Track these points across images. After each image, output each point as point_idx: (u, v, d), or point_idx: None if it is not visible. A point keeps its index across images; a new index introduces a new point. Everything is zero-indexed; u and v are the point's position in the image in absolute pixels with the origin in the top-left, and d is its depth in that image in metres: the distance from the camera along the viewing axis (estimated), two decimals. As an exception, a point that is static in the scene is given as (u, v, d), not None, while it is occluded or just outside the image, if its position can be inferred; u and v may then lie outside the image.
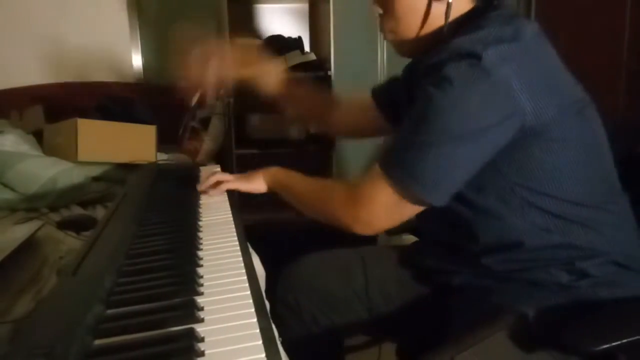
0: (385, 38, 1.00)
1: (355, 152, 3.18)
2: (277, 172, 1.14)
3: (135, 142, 1.84)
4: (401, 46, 0.99)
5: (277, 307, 1.13)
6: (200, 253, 0.85)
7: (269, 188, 1.14)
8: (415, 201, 0.88)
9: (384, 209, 0.90)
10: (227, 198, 1.19)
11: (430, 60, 0.87)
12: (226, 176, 1.22)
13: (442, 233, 1.01)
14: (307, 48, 2.92)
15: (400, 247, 1.21)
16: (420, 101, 0.85)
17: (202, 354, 0.56)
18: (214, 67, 1.20)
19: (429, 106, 0.83)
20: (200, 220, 1.03)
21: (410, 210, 0.90)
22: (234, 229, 0.98)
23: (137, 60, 2.88)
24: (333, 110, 1.35)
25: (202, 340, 0.59)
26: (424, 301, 1.08)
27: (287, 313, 1.12)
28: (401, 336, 1.18)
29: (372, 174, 0.91)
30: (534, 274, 0.90)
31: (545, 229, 0.89)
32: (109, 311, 0.66)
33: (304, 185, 1.08)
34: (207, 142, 2.52)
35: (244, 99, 2.83)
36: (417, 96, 0.88)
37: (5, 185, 1.55)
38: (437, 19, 0.92)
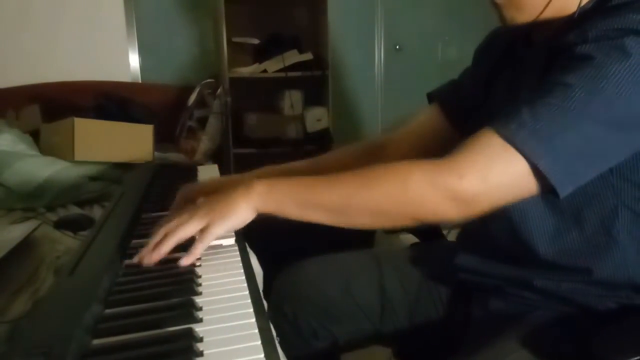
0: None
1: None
2: (269, 187, 0.80)
3: (132, 142, 1.84)
4: (516, 8, 0.82)
5: (273, 316, 0.98)
6: (198, 252, 0.84)
7: (263, 211, 0.80)
8: (531, 182, 0.71)
9: (489, 182, 0.71)
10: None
11: (571, 34, 0.75)
12: (187, 227, 0.78)
13: (494, 236, 0.88)
14: (304, 47, 2.92)
15: (414, 249, 1.12)
16: (573, 65, 0.72)
17: (200, 354, 0.56)
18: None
19: (588, 73, 0.70)
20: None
21: (516, 192, 0.73)
22: (232, 228, 0.97)
23: (134, 60, 2.88)
24: (383, 154, 1.09)
25: (200, 340, 0.58)
26: (438, 309, 1.02)
27: (284, 324, 1.04)
28: (406, 346, 1.11)
29: (482, 140, 0.72)
30: (584, 299, 0.83)
31: (631, 262, 0.80)
32: (107, 311, 0.66)
33: (333, 185, 0.79)
34: (205, 142, 2.52)
35: (242, 98, 2.83)
36: (559, 65, 0.74)
37: (2, 185, 1.54)
38: None
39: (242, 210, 0.79)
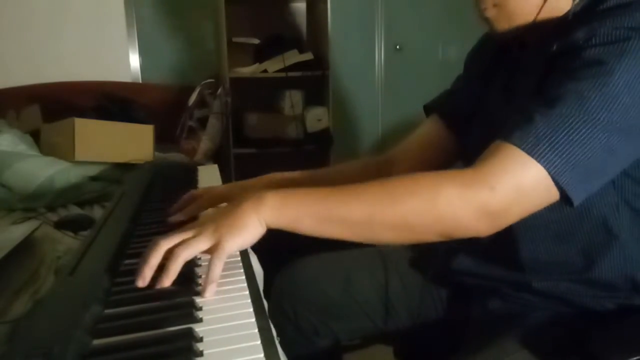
0: (485, 14, 0.83)
1: (354, 151, 3.18)
2: (282, 200, 0.74)
3: (132, 142, 1.84)
4: (507, 20, 0.83)
5: (273, 314, 0.96)
6: (198, 252, 0.84)
7: (275, 226, 0.74)
8: (551, 193, 0.70)
9: (519, 192, 0.70)
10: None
11: (576, 33, 0.74)
12: (194, 245, 0.71)
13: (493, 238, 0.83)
14: (304, 47, 2.92)
15: (414, 248, 1.12)
16: (584, 71, 0.71)
17: (200, 354, 0.56)
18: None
19: (601, 81, 0.69)
20: (197, 219, 1.02)
21: (539, 202, 0.72)
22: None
23: (134, 60, 2.88)
24: (390, 168, 1.08)
25: (200, 340, 0.59)
26: (438, 309, 1.03)
27: (285, 322, 1.06)
28: (406, 344, 1.11)
29: (501, 153, 0.71)
30: (583, 300, 0.84)
31: (631, 262, 0.81)
32: (107, 311, 0.66)
33: (355, 198, 0.73)
34: (205, 142, 2.52)
35: (242, 98, 2.83)
36: (568, 67, 0.73)
37: (3, 185, 1.54)
38: None
39: (253, 225, 0.72)
